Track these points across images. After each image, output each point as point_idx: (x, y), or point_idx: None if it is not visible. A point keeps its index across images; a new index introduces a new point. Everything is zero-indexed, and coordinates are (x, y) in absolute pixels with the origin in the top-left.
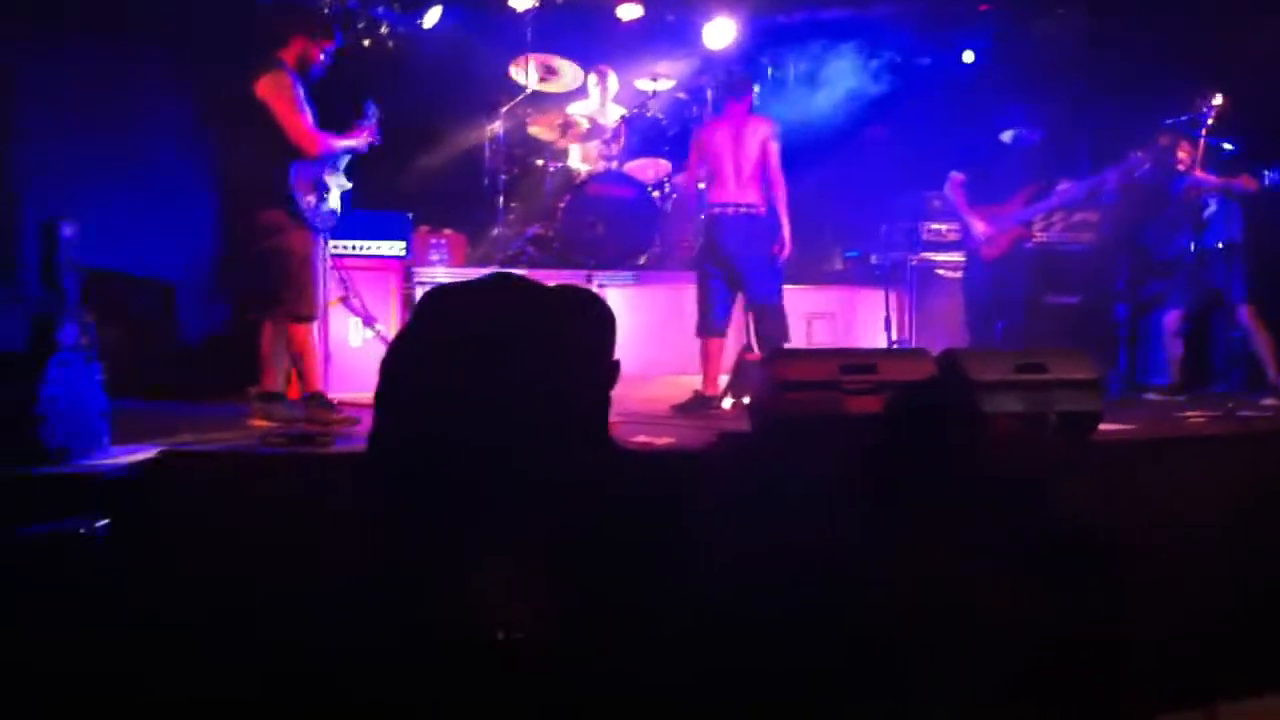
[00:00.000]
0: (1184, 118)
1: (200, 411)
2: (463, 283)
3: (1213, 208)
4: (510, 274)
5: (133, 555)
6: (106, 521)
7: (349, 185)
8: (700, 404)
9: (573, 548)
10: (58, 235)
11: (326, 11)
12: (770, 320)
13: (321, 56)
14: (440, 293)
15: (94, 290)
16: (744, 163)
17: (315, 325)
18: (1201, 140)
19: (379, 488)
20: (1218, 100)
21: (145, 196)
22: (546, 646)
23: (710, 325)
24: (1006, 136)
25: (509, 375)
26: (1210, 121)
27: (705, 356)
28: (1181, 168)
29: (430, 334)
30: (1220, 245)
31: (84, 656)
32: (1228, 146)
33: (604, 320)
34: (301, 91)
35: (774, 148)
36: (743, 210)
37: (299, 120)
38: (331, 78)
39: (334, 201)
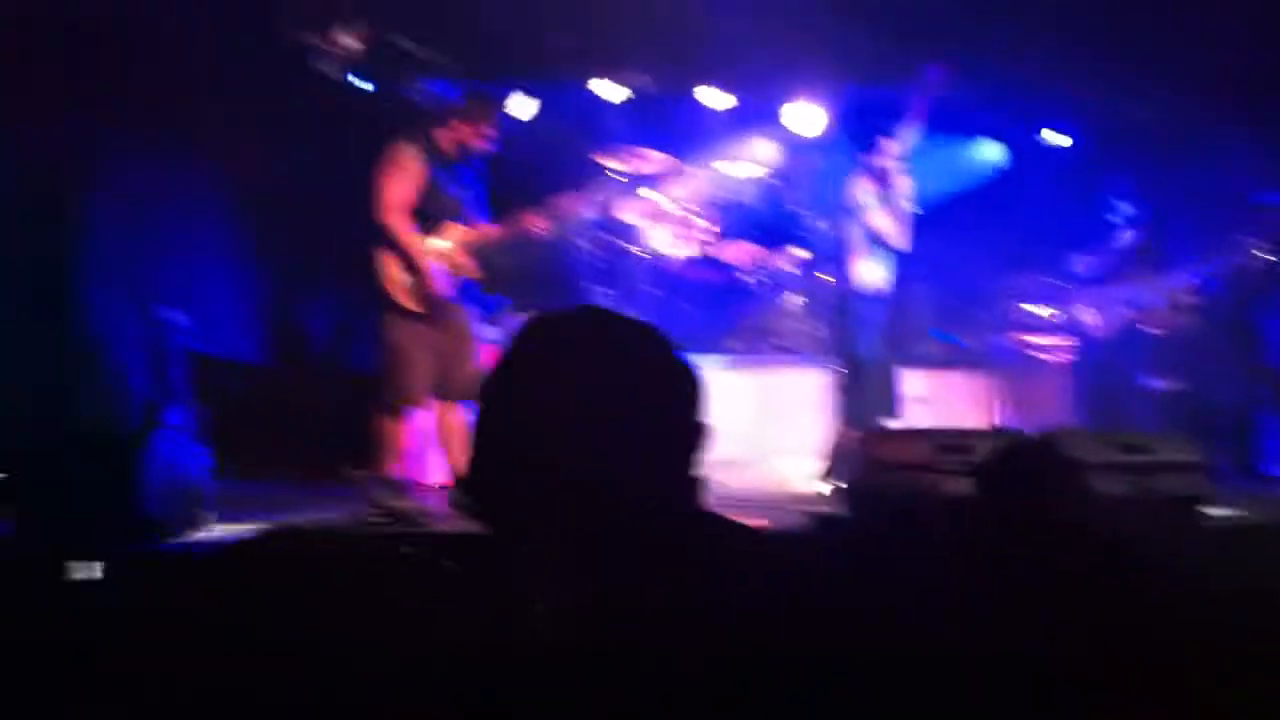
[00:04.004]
0: None
1: (302, 492)
2: (557, 312)
3: None
4: (598, 308)
5: (230, 632)
6: (213, 598)
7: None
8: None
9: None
10: (165, 322)
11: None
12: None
13: (470, 140)
14: (536, 322)
15: (199, 375)
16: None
17: (413, 412)
18: None
19: (477, 511)
20: None
21: (249, 286)
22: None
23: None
24: (1113, 215)
25: (601, 406)
26: None
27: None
28: None
29: (523, 361)
30: None
31: None
32: None
33: (692, 372)
34: (420, 169)
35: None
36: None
37: (384, 191)
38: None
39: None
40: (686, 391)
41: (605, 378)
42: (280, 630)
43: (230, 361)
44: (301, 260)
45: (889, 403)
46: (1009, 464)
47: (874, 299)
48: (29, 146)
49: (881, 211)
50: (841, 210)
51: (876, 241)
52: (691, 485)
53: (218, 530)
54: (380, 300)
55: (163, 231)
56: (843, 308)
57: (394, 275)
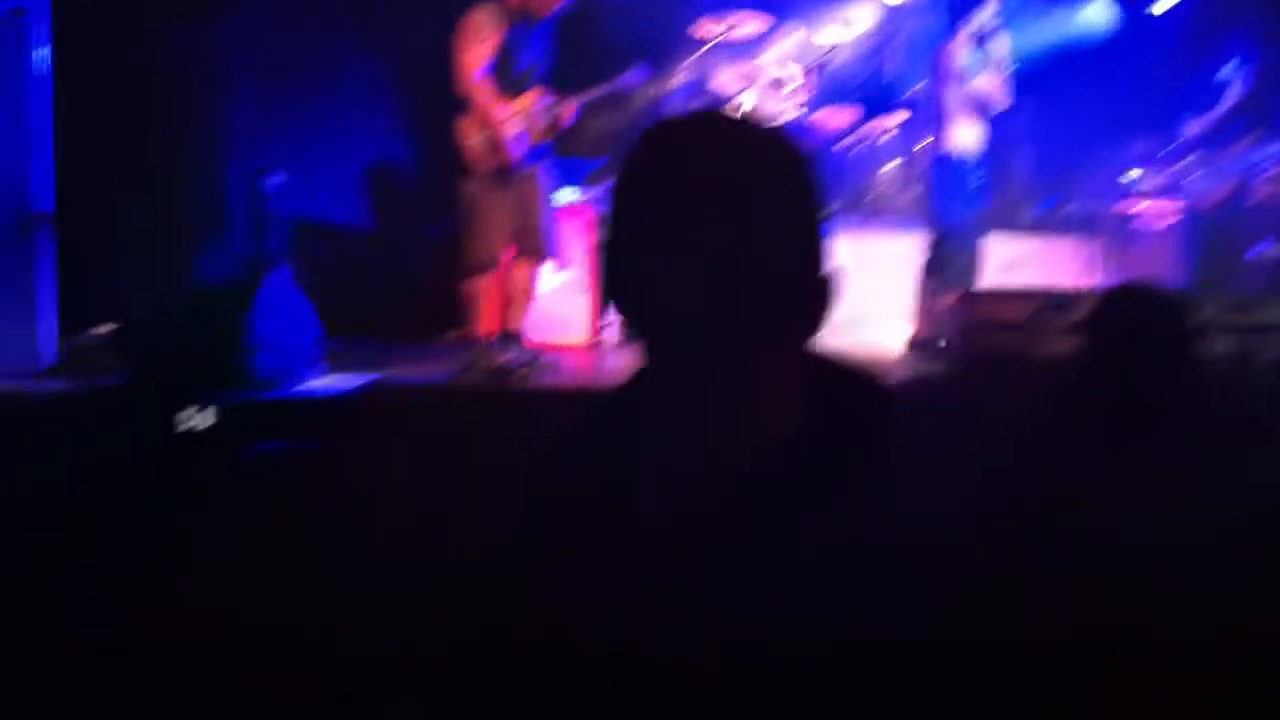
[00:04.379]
0: None
1: (407, 350)
2: (680, 117)
3: None
4: (724, 112)
5: (342, 479)
6: (318, 445)
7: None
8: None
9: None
10: (266, 185)
11: None
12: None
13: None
14: (660, 128)
15: (302, 237)
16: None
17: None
18: None
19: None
20: None
21: (351, 148)
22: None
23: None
24: (1223, 73)
25: (732, 223)
26: None
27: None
28: None
29: (647, 172)
30: None
31: (291, 572)
32: None
33: (815, 170)
34: (495, 34)
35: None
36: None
37: (461, 58)
38: None
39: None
40: (814, 187)
41: (731, 173)
42: (385, 475)
43: (331, 224)
44: (396, 126)
45: (974, 270)
46: (1120, 307)
47: (970, 164)
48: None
49: (981, 73)
50: (938, 74)
51: (974, 105)
52: (823, 286)
53: (326, 381)
54: (459, 164)
55: (271, 98)
56: (937, 173)
57: (471, 140)
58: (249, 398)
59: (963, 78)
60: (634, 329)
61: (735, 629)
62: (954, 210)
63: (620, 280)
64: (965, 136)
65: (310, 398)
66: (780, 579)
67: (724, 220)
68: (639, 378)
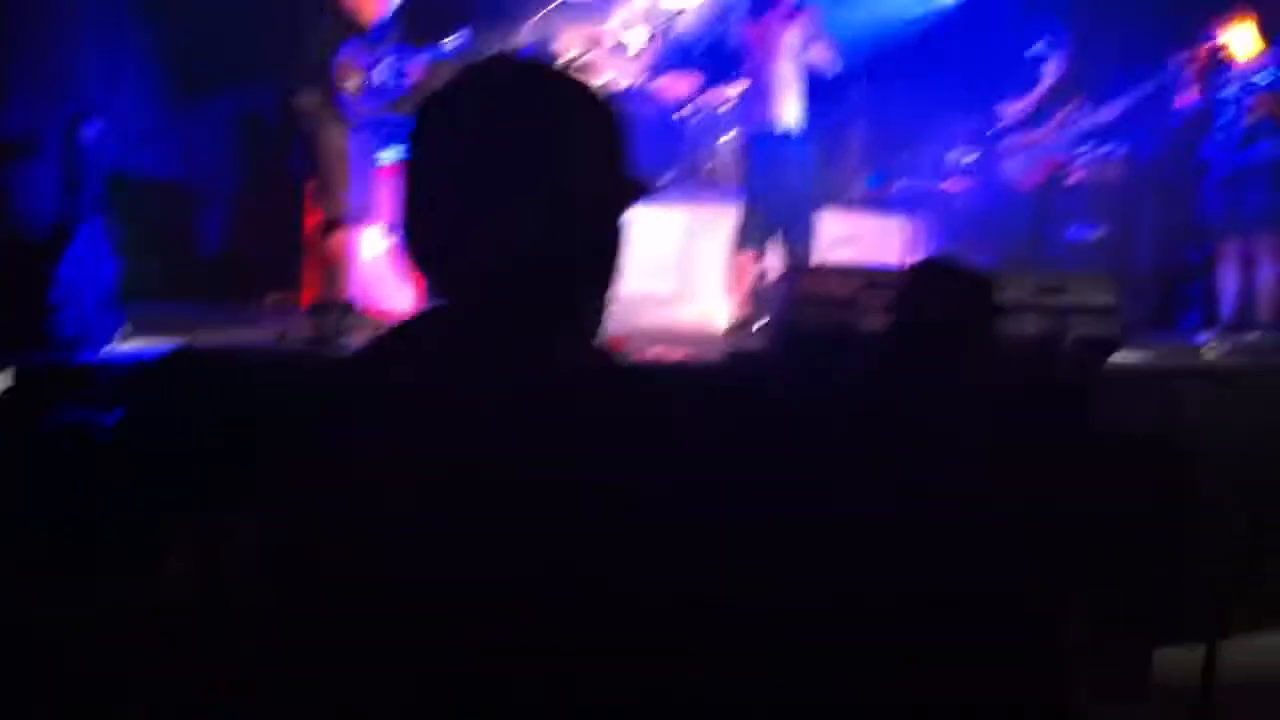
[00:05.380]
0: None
1: (219, 314)
2: (477, 66)
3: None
4: (504, 56)
5: (146, 447)
6: (121, 413)
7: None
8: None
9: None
10: (81, 132)
11: None
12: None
13: None
14: (457, 78)
15: (115, 190)
16: (776, 76)
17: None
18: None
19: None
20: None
21: (170, 97)
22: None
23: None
24: (1034, 51)
25: (517, 157)
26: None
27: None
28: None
29: (436, 122)
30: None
31: (93, 542)
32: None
33: (619, 121)
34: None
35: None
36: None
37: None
38: None
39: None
40: (612, 142)
41: (519, 123)
42: (195, 447)
43: (149, 177)
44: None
45: (807, 246)
46: (921, 284)
47: (795, 138)
48: None
49: (810, 47)
50: (768, 47)
51: (803, 78)
52: (613, 249)
53: (129, 345)
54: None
55: (81, 36)
56: (761, 146)
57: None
58: (49, 360)
59: (794, 51)
60: (425, 278)
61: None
62: (777, 184)
63: (412, 232)
64: (791, 110)
65: (113, 363)
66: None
67: (511, 169)
68: (424, 318)
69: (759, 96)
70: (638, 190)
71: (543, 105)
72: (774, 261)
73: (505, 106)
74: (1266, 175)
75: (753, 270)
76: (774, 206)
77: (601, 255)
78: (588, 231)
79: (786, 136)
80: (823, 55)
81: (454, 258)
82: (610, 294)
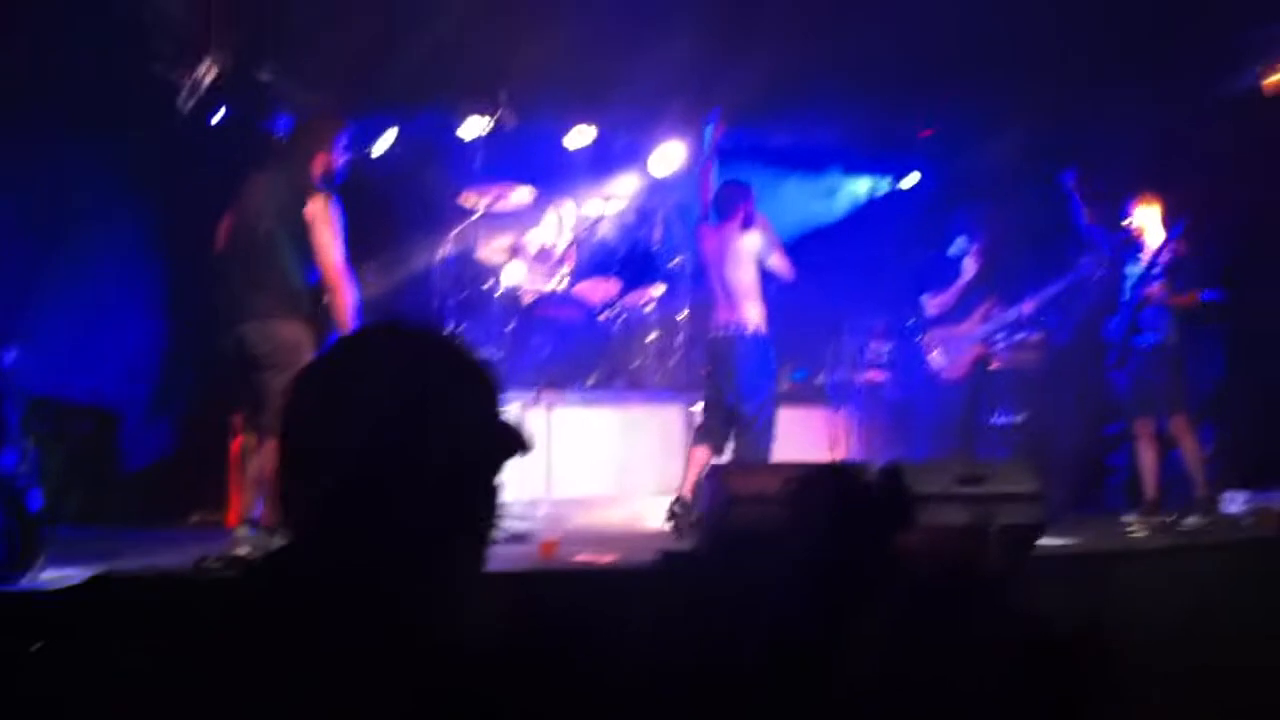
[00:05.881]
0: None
1: (142, 537)
2: (351, 333)
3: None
4: (390, 323)
5: (67, 679)
6: (40, 644)
7: None
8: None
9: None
10: None
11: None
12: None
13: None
14: (334, 344)
15: (34, 416)
16: (735, 281)
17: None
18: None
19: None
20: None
21: (88, 321)
22: None
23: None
24: (953, 249)
25: (390, 418)
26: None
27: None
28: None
29: (314, 378)
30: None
31: None
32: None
33: (489, 381)
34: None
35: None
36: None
37: (336, 257)
38: None
39: None
40: (482, 400)
41: (392, 388)
42: (99, 675)
43: (68, 401)
44: (143, 293)
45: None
46: (808, 491)
47: (764, 338)
48: None
49: (770, 253)
50: (728, 255)
51: (763, 281)
52: (489, 501)
53: (45, 576)
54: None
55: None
56: (743, 349)
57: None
58: None
59: (752, 256)
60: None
61: None
62: (763, 384)
63: (287, 502)
64: (754, 313)
65: (28, 593)
66: None
67: (383, 436)
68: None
69: (720, 300)
70: (512, 447)
71: (415, 372)
72: (728, 458)
73: (376, 375)
74: (1160, 358)
75: (705, 466)
76: (732, 403)
77: (477, 510)
78: (464, 491)
79: (747, 336)
80: (780, 263)
81: (327, 524)
82: (486, 543)
